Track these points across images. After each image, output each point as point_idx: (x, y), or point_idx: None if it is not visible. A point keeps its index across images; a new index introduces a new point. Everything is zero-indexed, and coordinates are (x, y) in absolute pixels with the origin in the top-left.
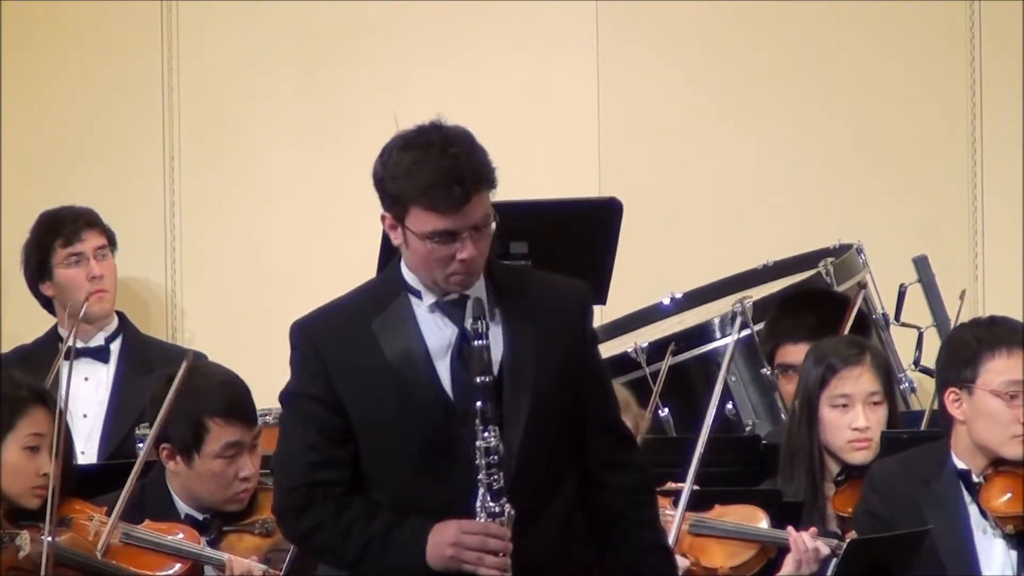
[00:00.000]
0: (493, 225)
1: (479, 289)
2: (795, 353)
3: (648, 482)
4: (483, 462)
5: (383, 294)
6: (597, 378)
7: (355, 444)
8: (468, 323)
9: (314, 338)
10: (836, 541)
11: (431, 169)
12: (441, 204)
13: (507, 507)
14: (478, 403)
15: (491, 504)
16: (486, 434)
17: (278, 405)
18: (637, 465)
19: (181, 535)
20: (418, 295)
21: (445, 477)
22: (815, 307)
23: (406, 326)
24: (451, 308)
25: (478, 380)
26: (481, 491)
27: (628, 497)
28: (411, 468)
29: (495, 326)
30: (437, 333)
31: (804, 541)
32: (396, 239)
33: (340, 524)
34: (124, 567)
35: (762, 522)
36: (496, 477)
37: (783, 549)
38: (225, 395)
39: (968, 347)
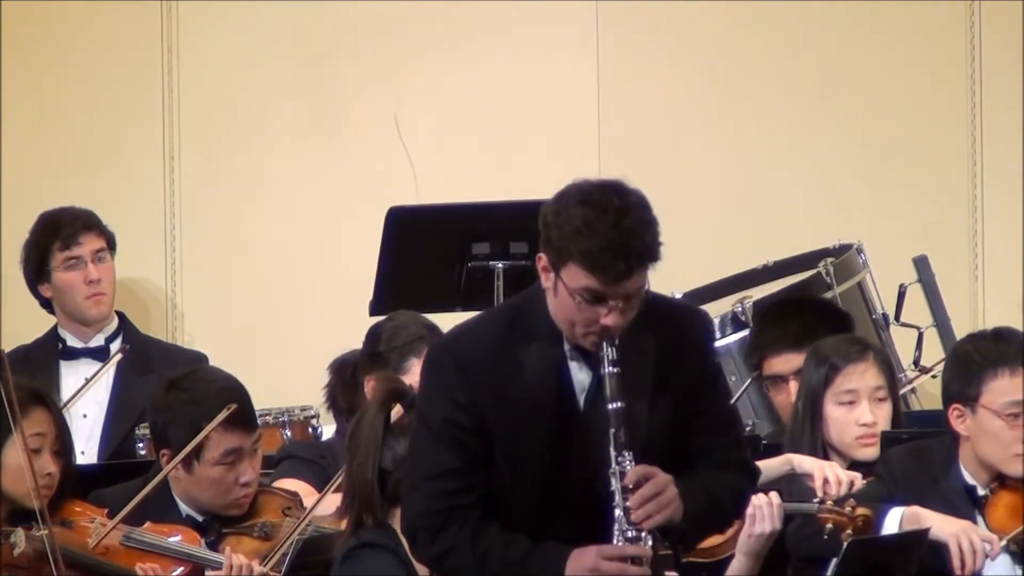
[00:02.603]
0: (644, 293)
1: None
2: (781, 364)
3: (746, 478)
4: (619, 486)
5: (530, 327)
6: (713, 411)
7: (490, 468)
8: (601, 352)
9: (464, 366)
10: (816, 504)
11: (601, 236)
12: (601, 273)
13: (644, 533)
14: (612, 429)
15: (628, 528)
16: (620, 459)
17: (278, 405)
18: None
19: (179, 536)
20: (561, 335)
21: (574, 511)
22: (798, 315)
23: (553, 360)
24: (591, 355)
25: (611, 406)
26: (618, 513)
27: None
28: (545, 496)
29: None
30: (575, 374)
31: (755, 497)
32: (547, 282)
33: (477, 549)
34: (120, 565)
35: None
36: (630, 502)
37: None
38: (224, 402)
39: (972, 363)
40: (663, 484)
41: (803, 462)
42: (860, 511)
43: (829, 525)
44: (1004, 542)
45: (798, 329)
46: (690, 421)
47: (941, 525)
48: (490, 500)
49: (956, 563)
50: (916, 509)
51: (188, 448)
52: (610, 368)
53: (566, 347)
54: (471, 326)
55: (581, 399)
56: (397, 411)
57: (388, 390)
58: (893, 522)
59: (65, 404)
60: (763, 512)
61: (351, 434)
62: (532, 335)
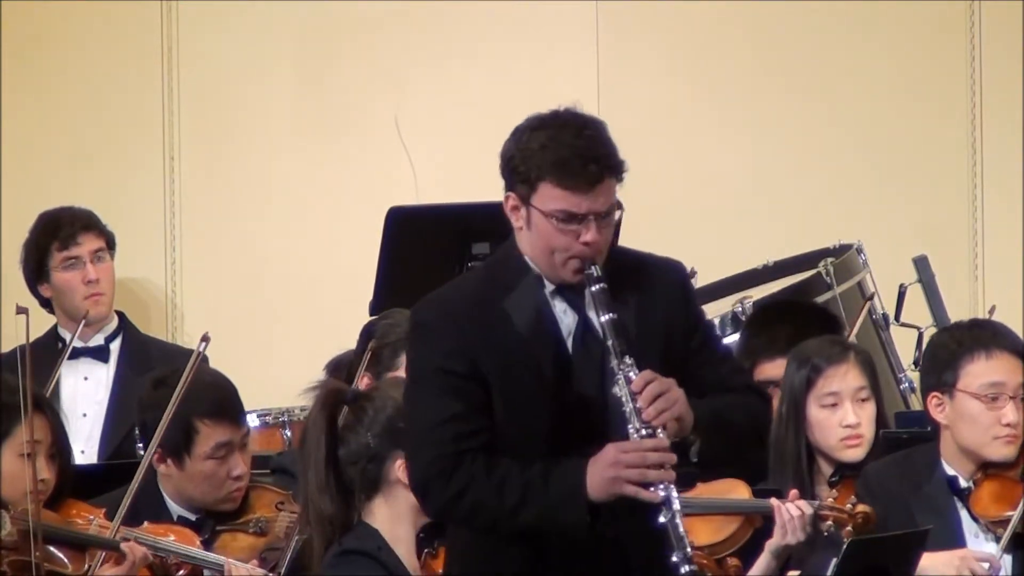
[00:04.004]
0: (618, 215)
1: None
2: (773, 369)
3: (755, 397)
4: (627, 391)
5: (507, 276)
6: (707, 347)
7: (491, 414)
8: (586, 272)
9: (450, 314)
10: (817, 501)
11: (566, 146)
12: (573, 180)
13: (658, 430)
14: (609, 341)
15: (641, 427)
16: (623, 366)
17: (277, 406)
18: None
19: (172, 537)
20: (541, 280)
21: (584, 447)
22: (789, 319)
23: (536, 304)
24: (572, 295)
25: (604, 318)
26: (628, 412)
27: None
28: (545, 441)
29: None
30: (560, 318)
31: (786, 509)
32: (517, 221)
33: (494, 476)
34: (108, 538)
35: (743, 493)
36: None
37: (769, 518)
38: (212, 396)
39: (948, 350)
40: (668, 384)
41: (935, 569)
42: (860, 508)
43: (829, 523)
44: (1001, 552)
45: (789, 334)
46: (685, 364)
47: (940, 563)
48: (496, 449)
49: None
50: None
51: (161, 427)
52: (597, 286)
53: (547, 289)
54: (449, 284)
55: (568, 342)
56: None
57: (326, 392)
58: None
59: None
60: (795, 524)
61: (300, 442)
62: (511, 283)
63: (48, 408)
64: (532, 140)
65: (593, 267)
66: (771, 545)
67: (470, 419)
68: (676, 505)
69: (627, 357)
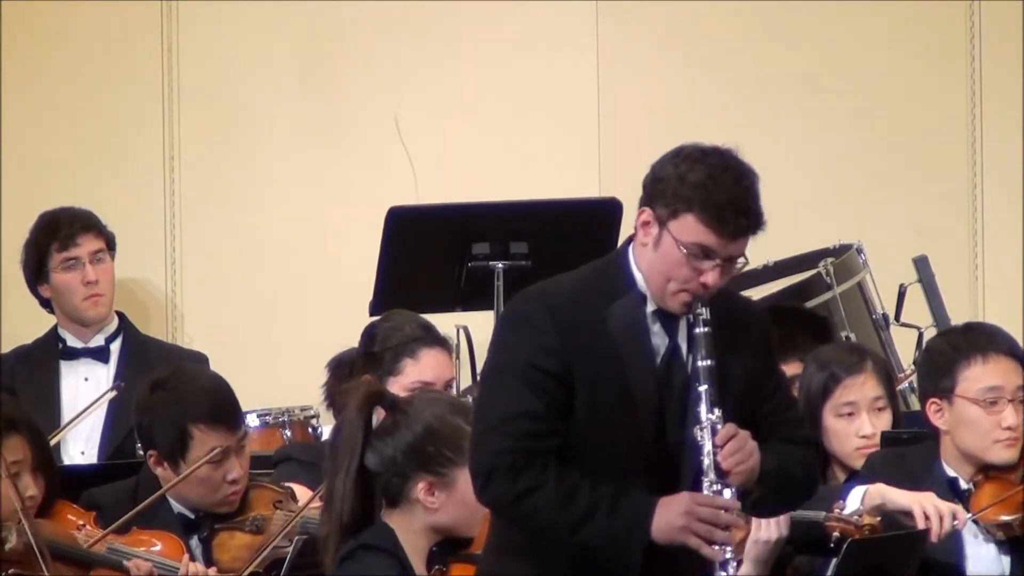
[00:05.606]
0: (739, 264)
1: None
2: None
3: (813, 451)
4: (709, 443)
5: (613, 285)
6: (779, 392)
7: (567, 419)
8: (693, 311)
9: (553, 312)
10: (823, 513)
11: (726, 190)
12: (721, 226)
13: (731, 488)
14: (704, 386)
15: (716, 482)
16: (711, 414)
17: (277, 406)
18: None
19: (160, 546)
20: (644, 298)
21: (650, 470)
22: (777, 324)
23: (635, 320)
24: (668, 319)
25: (703, 364)
26: (707, 464)
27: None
28: (614, 453)
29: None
30: (653, 339)
31: None
32: (644, 237)
33: (563, 487)
34: (113, 558)
35: None
36: (719, 457)
37: None
38: (208, 401)
39: (944, 356)
40: (746, 438)
41: (896, 497)
42: (867, 520)
43: (836, 534)
44: (971, 516)
45: (777, 339)
46: (759, 404)
47: (902, 495)
48: (563, 456)
49: (920, 524)
50: (879, 486)
51: (185, 475)
52: (703, 328)
53: (648, 309)
54: (555, 281)
55: (657, 362)
56: (380, 414)
57: (366, 394)
58: (855, 498)
59: (57, 432)
60: (768, 520)
61: (332, 441)
62: (614, 293)
63: (24, 425)
64: (691, 172)
65: (703, 308)
66: (748, 550)
67: (546, 420)
68: (731, 569)
69: (716, 409)
